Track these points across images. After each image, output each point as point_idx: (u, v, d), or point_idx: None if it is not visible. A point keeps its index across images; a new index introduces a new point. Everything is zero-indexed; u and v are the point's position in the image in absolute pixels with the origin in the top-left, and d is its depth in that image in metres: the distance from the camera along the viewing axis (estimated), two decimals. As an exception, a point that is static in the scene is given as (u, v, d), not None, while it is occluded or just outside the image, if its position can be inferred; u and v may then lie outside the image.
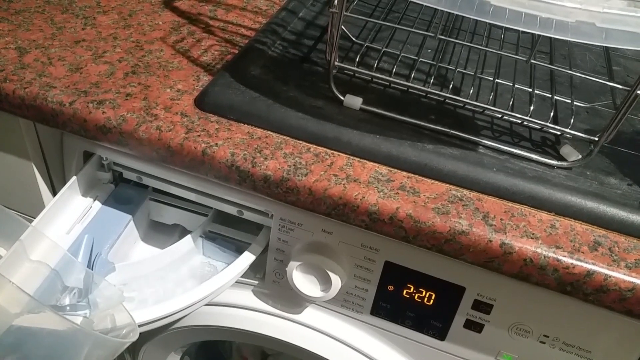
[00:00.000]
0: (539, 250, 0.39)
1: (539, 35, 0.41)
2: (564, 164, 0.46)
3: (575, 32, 0.36)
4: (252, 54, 0.55)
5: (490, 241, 0.40)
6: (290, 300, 0.55)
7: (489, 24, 0.64)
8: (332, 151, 0.46)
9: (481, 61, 0.57)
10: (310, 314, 0.55)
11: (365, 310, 0.52)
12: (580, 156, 0.46)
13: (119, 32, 0.58)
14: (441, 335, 0.50)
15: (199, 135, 0.45)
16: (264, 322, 0.56)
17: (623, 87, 0.43)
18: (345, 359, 0.54)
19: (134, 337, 0.42)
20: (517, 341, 0.48)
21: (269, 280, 0.55)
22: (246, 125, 0.48)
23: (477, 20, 0.65)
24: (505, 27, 0.63)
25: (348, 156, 0.46)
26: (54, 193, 0.59)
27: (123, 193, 0.57)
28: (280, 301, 0.56)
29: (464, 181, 0.44)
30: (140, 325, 0.47)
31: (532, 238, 0.40)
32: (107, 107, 0.47)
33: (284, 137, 0.47)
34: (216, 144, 0.45)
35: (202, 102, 0.49)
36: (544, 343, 0.47)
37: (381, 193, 0.42)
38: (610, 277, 0.39)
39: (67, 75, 0.51)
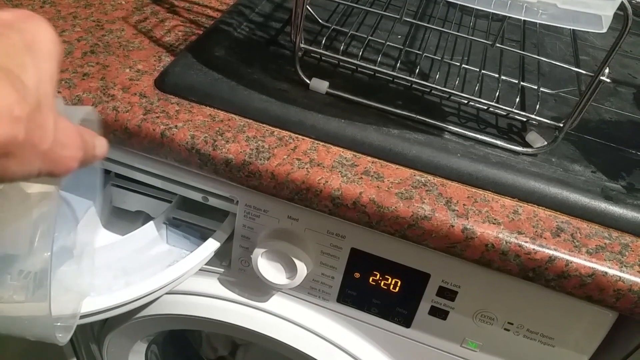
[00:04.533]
0: (500, 236, 0.39)
1: (505, 21, 0.40)
2: (529, 150, 0.46)
3: (543, 14, 0.36)
4: (217, 35, 0.54)
5: (452, 226, 0.39)
6: (257, 288, 0.54)
7: (460, 11, 0.64)
8: (296, 135, 0.45)
9: (450, 48, 0.57)
10: (277, 302, 0.55)
11: (332, 298, 0.52)
12: (545, 143, 0.46)
13: (79, 11, 0.56)
14: (407, 322, 0.50)
15: (157, 117, 0.44)
16: (229, 310, 0.55)
17: (587, 73, 0.43)
18: (312, 346, 0.54)
19: (63, 339, 0.40)
20: (482, 328, 0.48)
21: (235, 268, 0.54)
22: (208, 108, 0.46)
23: (448, 8, 0.64)
24: (475, 15, 0.62)
25: (312, 140, 0.45)
26: (12, 178, 0.57)
27: (84, 178, 0.55)
28: (246, 289, 0.55)
29: (428, 166, 0.43)
30: (99, 313, 0.46)
31: (494, 223, 0.40)
32: (63, 87, 0.46)
33: (247, 120, 0.46)
34: (176, 125, 0.44)
35: (163, 83, 0.47)
36: (508, 330, 0.47)
37: (345, 178, 0.42)
38: (571, 262, 0.39)
39: (21, 54, 0.49)
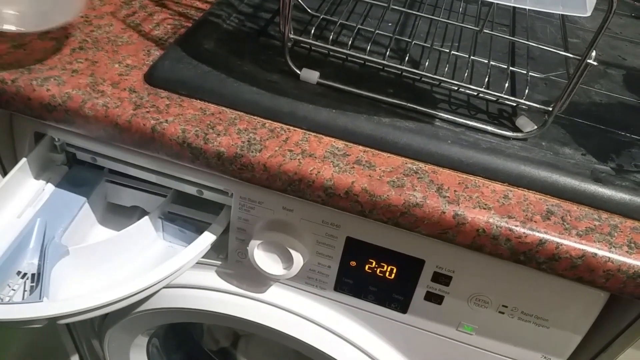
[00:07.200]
0: (491, 220, 0.40)
1: (493, 6, 0.40)
2: (519, 135, 0.46)
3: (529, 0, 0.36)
4: (206, 27, 0.54)
5: (444, 212, 0.40)
6: (254, 279, 0.55)
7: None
8: (287, 126, 0.45)
9: (440, 34, 0.57)
10: (275, 293, 0.55)
11: (329, 287, 0.52)
12: (535, 127, 0.46)
13: (67, 7, 0.56)
14: (403, 308, 0.51)
15: (148, 112, 0.44)
16: (228, 302, 0.56)
17: (574, 57, 0.43)
18: (311, 335, 0.55)
19: None
20: (477, 312, 0.48)
21: (232, 260, 0.54)
22: (198, 101, 0.46)
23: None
24: (466, 1, 0.62)
25: (304, 131, 0.45)
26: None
27: (77, 175, 0.55)
28: (244, 281, 0.55)
29: (419, 154, 0.44)
30: (98, 308, 0.46)
31: (484, 209, 0.40)
32: (52, 85, 0.45)
33: (238, 112, 0.46)
34: (166, 120, 0.44)
35: (152, 77, 0.47)
36: (503, 313, 0.47)
37: (337, 167, 0.42)
38: (561, 245, 0.39)
39: (9, 52, 0.48)
